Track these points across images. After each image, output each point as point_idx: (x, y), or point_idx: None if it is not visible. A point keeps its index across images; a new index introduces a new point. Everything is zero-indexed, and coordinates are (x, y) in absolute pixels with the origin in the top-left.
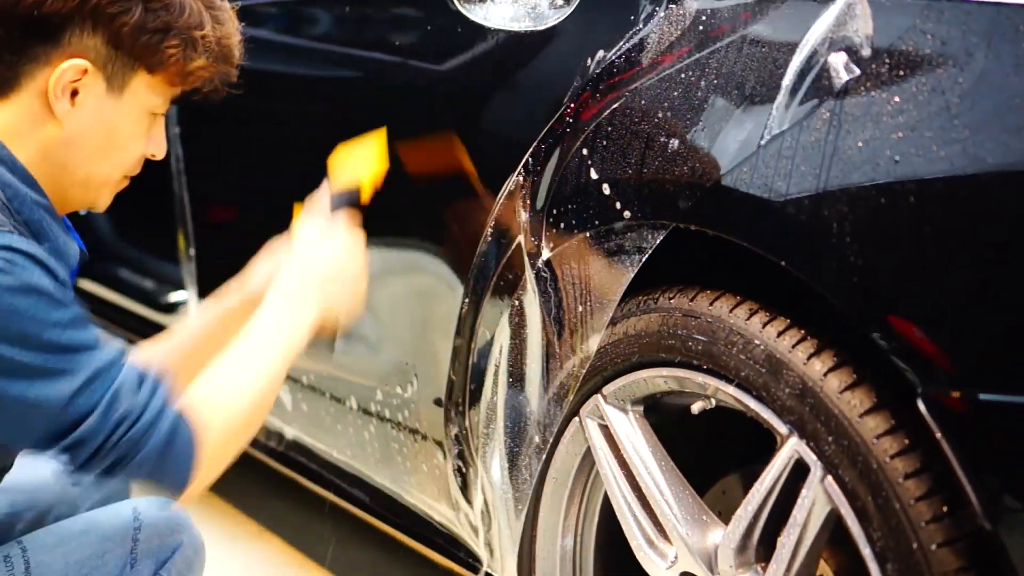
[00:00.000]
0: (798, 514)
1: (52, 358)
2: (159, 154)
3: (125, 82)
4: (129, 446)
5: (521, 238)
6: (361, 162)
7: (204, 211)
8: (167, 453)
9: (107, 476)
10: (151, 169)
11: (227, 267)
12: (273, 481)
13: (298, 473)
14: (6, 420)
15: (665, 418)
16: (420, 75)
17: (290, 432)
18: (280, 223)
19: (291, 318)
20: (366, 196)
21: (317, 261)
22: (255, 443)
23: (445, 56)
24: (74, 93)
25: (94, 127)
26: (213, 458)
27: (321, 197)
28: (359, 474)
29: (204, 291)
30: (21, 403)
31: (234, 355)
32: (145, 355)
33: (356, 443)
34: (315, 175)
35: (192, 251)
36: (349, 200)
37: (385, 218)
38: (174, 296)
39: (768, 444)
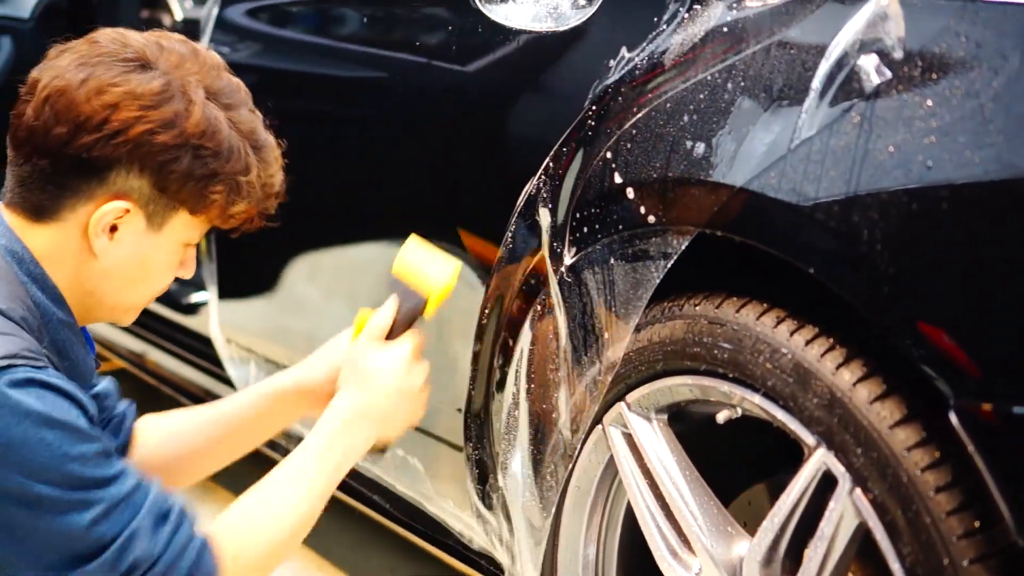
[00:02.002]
0: (826, 527)
1: (72, 492)
2: (188, 275)
3: (165, 220)
4: None
5: (544, 242)
6: (432, 273)
7: None
8: None
9: None
10: None
11: (247, 267)
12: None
13: None
14: (19, 546)
15: (689, 427)
16: (443, 76)
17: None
18: (302, 226)
19: (343, 444)
20: (430, 313)
21: (378, 393)
22: (274, 447)
23: (466, 57)
24: (113, 228)
25: (129, 261)
26: None
27: (387, 313)
28: (379, 480)
29: (224, 291)
30: (34, 531)
31: (278, 479)
32: (192, 418)
33: None
34: (339, 176)
35: (213, 251)
36: (414, 315)
37: (402, 222)
38: (195, 297)
39: (795, 454)
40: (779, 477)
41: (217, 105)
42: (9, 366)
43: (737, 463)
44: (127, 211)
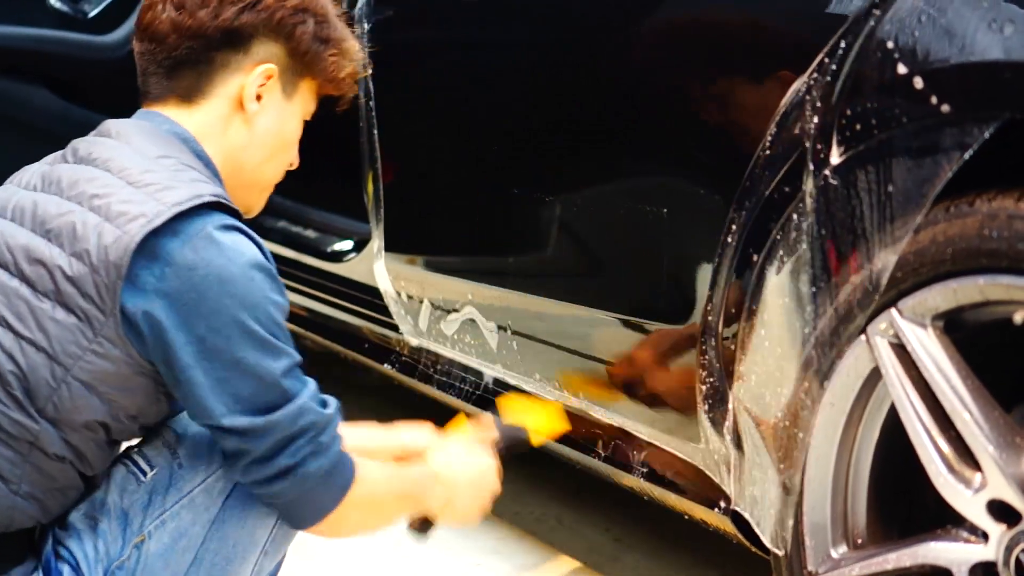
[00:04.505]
0: None
1: (273, 336)
2: (295, 164)
3: (296, 88)
4: (311, 450)
5: (808, 145)
6: (535, 418)
7: (393, 153)
8: (333, 474)
9: (274, 482)
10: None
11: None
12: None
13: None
14: (224, 385)
15: (964, 334)
16: None
17: (491, 373)
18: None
19: (426, 489)
20: (536, 442)
21: (458, 471)
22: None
23: None
24: (258, 97)
25: (272, 128)
26: (352, 506)
27: (488, 426)
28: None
29: (391, 238)
30: (238, 366)
31: (387, 466)
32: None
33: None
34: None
35: (381, 191)
36: (514, 444)
37: (634, 133)
38: (347, 245)
39: None
40: None
41: None
42: (216, 209)
43: (1015, 370)
44: (270, 76)
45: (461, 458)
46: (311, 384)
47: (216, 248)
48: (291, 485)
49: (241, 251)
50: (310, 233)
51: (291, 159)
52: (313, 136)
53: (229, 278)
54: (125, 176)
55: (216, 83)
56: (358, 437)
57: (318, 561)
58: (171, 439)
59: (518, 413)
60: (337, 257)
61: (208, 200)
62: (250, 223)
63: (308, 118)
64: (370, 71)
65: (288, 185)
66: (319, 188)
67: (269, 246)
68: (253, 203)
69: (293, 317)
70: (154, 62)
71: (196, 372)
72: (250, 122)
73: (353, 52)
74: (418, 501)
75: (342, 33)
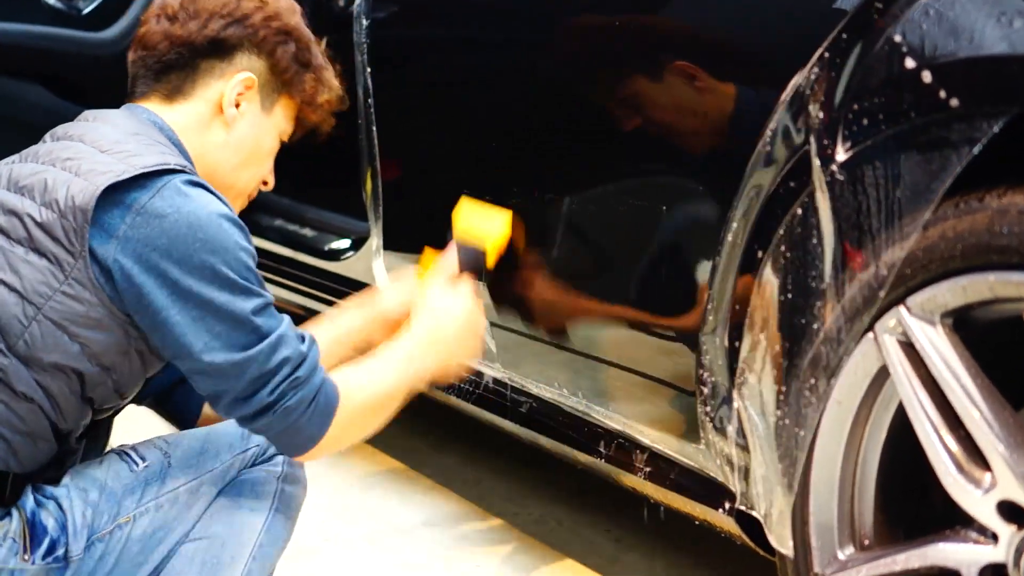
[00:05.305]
0: None
1: (243, 278)
2: (271, 183)
3: (274, 103)
4: (290, 385)
5: (812, 141)
6: (487, 228)
7: (391, 149)
8: (315, 404)
9: (257, 419)
10: None
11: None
12: (436, 434)
13: (500, 415)
14: (199, 324)
15: (971, 332)
16: None
17: (490, 373)
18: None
19: (416, 363)
20: (491, 262)
21: (443, 324)
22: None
23: None
24: (237, 105)
25: (248, 135)
26: (342, 427)
27: (450, 254)
28: (579, 413)
29: (390, 234)
30: (210, 306)
31: (371, 364)
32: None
33: (577, 378)
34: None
35: (380, 188)
36: (476, 263)
37: (632, 134)
38: (345, 244)
39: None
40: None
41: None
42: (181, 171)
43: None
44: (250, 86)
45: (442, 316)
46: (286, 320)
47: (184, 197)
48: (276, 420)
49: (209, 202)
50: (307, 232)
51: (265, 173)
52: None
53: (198, 224)
54: (98, 146)
55: (198, 85)
56: (344, 330)
57: (314, 562)
58: (164, 445)
59: (472, 228)
60: (335, 255)
61: (175, 167)
62: (248, 221)
63: (286, 139)
64: (369, 71)
65: (286, 183)
66: (318, 186)
67: (266, 244)
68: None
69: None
70: (144, 67)
71: (171, 313)
72: (228, 125)
73: (331, 81)
74: (412, 379)
75: (322, 62)
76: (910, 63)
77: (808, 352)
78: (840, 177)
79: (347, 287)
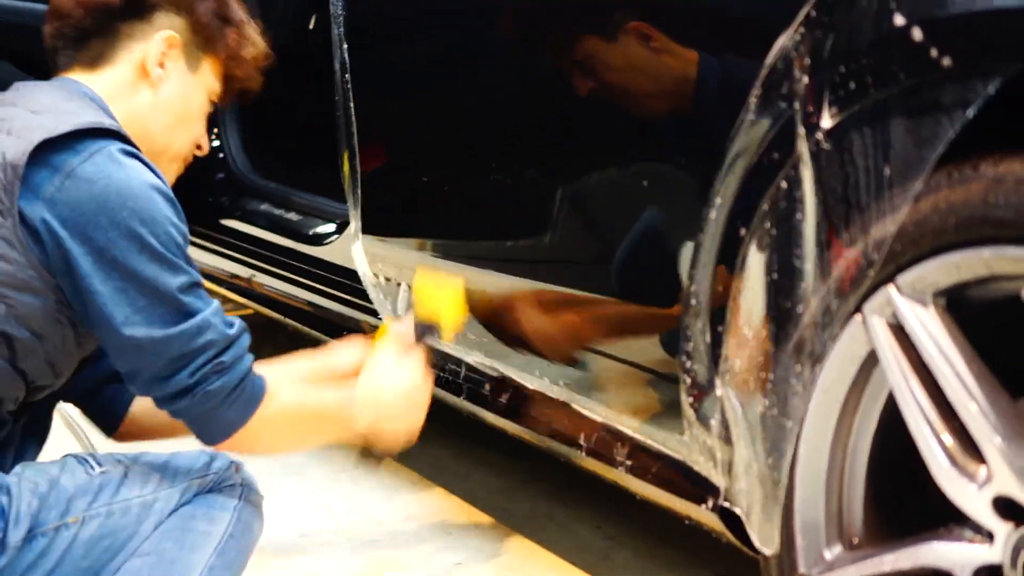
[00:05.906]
0: None
1: (171, 253)
2: (205, 147)
3: (199, 62)
4: (213, 370)
5: (796, 106)
6: (445, 303)
7: (370, 129)
8: (238, 392)
9: (175, 401)
10: None
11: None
12: (429, 427)
13: (478, 405)
14: (123, 295)
15: (966, 313)
16: None
17: (469, 359)
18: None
19: (348, 411)
20: (447, 337)
21: (384, 389)
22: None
23: None
24: (161, 65)
25: (176, 95)
26: (264, 422)
27: (407, 324)
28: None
29: (368, 218)
30: (136, 278)
31: (307, 385)
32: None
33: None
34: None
35: (358, 169)
36: (431, 336)
37: (607, 107)
38: (325, 228)
39: None
40: None
41: None
42: (117, 137)
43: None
44: (173, 45)
45: (388, 377)
46: (214, 304)
47: (116, 164)
48: (193, 403)
49: (141, 172)
50: (292, 216)
51: (198, 135)
52: (293, 113)
53: (128, 192)
54: (30, 108)
55: (120, 49)
56: (291, 367)
57: (294, 559)
58: (124, 458)
59: (426, 301)
60: (317, 240)
61: (109, 128)
62: (236, 207)
63: (216, 99)
64: (345, 45)
65: (270, 164)
66: (299, 168)
67: (249, 229)
68: (162, 174)
69: (275, 304)
70: (62, 37)
71: (94, 281)
72: (155, 87)
73: (254, 37)
74: (339, 423)
75: (244, 17)
76: (899, 20)
77: (793, 336)
78: (825, 146)
79: (332, 273)
